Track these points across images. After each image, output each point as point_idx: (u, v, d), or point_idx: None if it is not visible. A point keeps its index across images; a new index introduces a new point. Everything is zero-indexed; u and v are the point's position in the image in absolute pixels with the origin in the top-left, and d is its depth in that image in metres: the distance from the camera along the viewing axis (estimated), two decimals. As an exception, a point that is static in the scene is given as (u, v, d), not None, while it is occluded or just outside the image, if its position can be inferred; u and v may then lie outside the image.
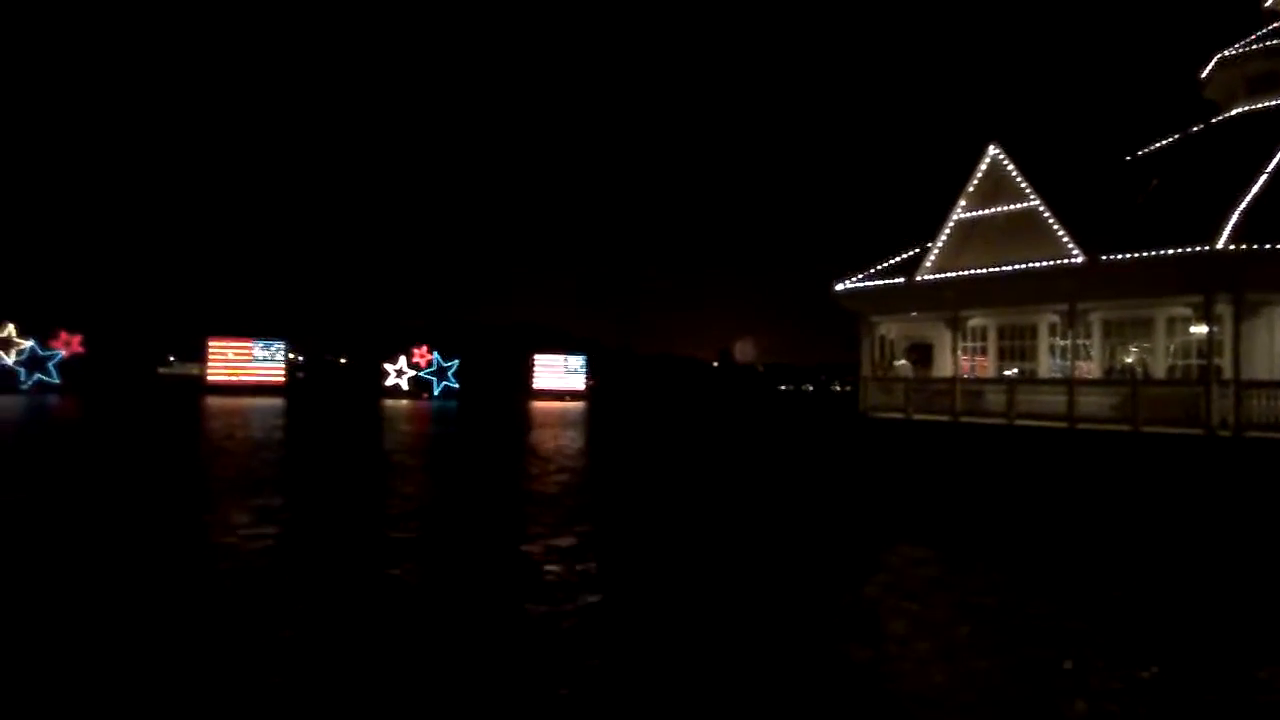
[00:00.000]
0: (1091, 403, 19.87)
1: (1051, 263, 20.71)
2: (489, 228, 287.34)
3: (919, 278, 23.48)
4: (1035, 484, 19.36)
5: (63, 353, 65.16)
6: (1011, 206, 22.36)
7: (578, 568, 10.40)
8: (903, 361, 25.61)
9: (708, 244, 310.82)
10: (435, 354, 77.91)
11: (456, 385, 78.49)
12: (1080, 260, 20.07)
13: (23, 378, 63.53)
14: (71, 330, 66.18)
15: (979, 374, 24.50)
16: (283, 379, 72.32)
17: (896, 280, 24.19)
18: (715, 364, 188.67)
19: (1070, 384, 20.24)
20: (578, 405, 69.74)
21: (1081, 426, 19.56)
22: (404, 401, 66.46)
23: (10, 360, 63.45)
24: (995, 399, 21.46)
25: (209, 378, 70.37)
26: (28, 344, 64.07)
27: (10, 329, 63.70)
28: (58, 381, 64.53)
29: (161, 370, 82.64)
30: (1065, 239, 20.57)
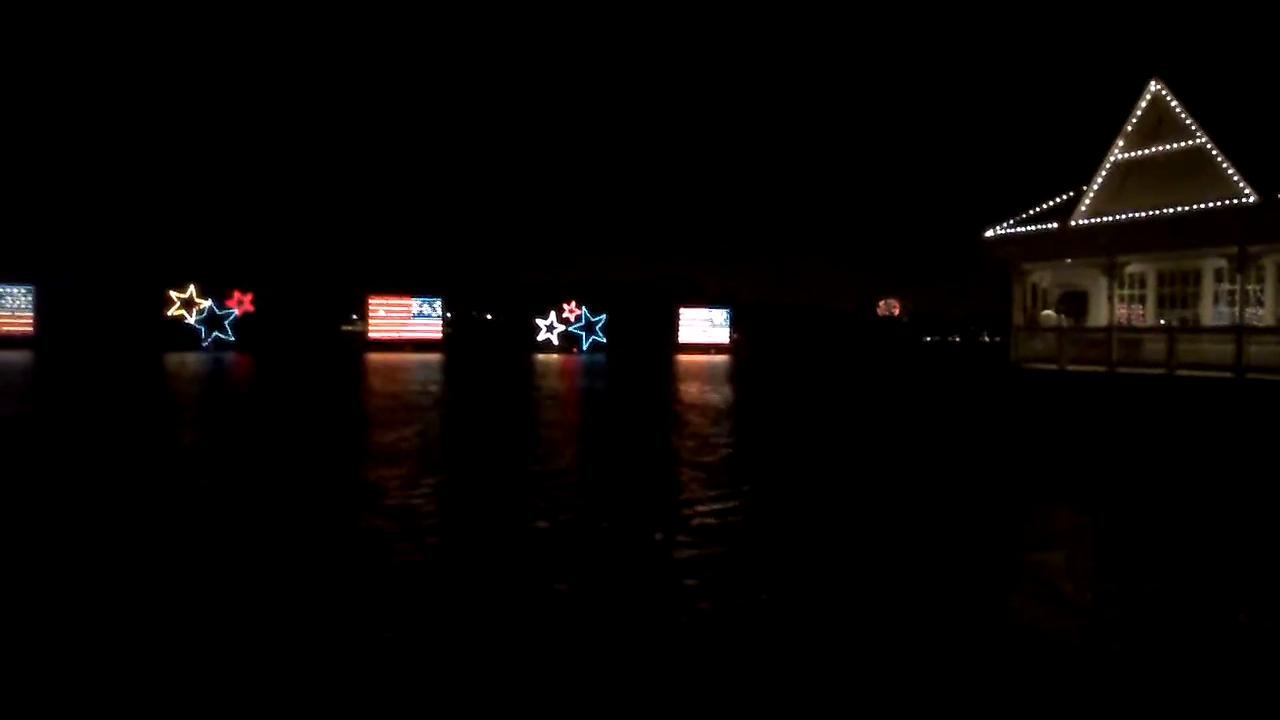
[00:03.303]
0: (1264, 352, 18.93)
1: (1220, 203, 19.72)
2: (629, 182, 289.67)
3: (1073, 222, 22.72)
4: (1203, 436, 18.64)
5: (236, 311, 69.84)
6: (1175, 145, 21.34)
7: (740, 530, 10.86)
8: (1049, 311, 24.89)
9: (848, 189, 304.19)
10: (584, 309, 79.68)
11: (605, 340, 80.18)
12: (1253, 200, 19.05)
13: (203, 336, 68.67)
14: (244, 290, 70.76)
15: (1135, 323, 23.62)
16: (440, 335, 75.44)
17: (1049, 225, 23.46)
18: (858, 314, 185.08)
19: (1239, 331, 19.32)
20: (723, 359, 70.16)
21: (1251, 376, 18.69)
22: (555, 356, 68.39)
23: (192, 319, 68.68)
24: (1154, 348, 20.68)
25: (370, 334, 74.15)
26: (206, 303, 69.08)
27: (192, 289, 68.85)
28: (234, 339, 69.39)
29: (345, 328, 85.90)
30: (1236, 178, 19.54)
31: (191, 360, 49.17)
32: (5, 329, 64.81)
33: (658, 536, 9.49)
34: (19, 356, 49.60)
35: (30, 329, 65.53)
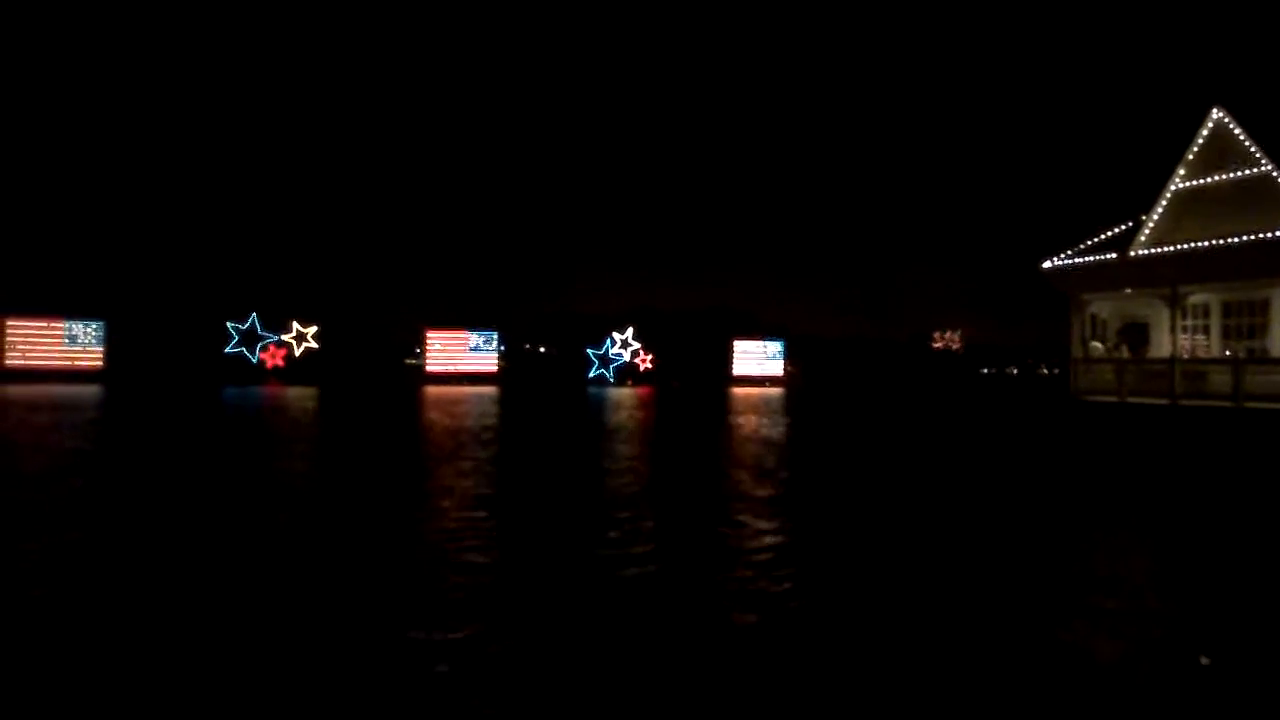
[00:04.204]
0: (1337, 383, 18.49)
1: (1286, 232, 19.37)
2: (681, 215, 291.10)
3: (1133, 252, 22.45)
4: (1276, 469, 18.17)
5: (295, 346, 71.25)
6: (1238, 173, 21.05)
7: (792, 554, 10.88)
8: (1096, 343, 24.52)
9: (906, 221, 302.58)
10: (638, 342, 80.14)
11: (659, 372, 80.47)
12: (1320, 228, 18.71)
13: (265, 369, 70.21)
14: (306, 324, 72.13)
15: (1199, 354, 23.17)
16: (495, 368, 76.19)
17: (1109, 256, 23.20)
18: (914, 346, 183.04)
19: (1309, 362, 18.89)
20: (778, 391, 69.88)
21: (1323, 408, 18.24)
22: (610, 389, 68.68)
23: (254, 353, 70.30)
24: (1219, 379, 20.27)
25: (427, 367, 75.15)
26: (269, 338, 70.67)
27: (255, 322, 70.52)
28: (295, 373, 70.78)
29: (410, 361, 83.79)
30: (1302, 206, 19.21)
31: (254, 394, 50.29)
32: (77, 364, 66.87)
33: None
34: (90, 390, 51.18)
35: (100, 363, 67.53)
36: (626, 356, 79.98)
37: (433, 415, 34.23)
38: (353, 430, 27.51)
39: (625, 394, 59.03)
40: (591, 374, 79.77)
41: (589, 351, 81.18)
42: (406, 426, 29.26)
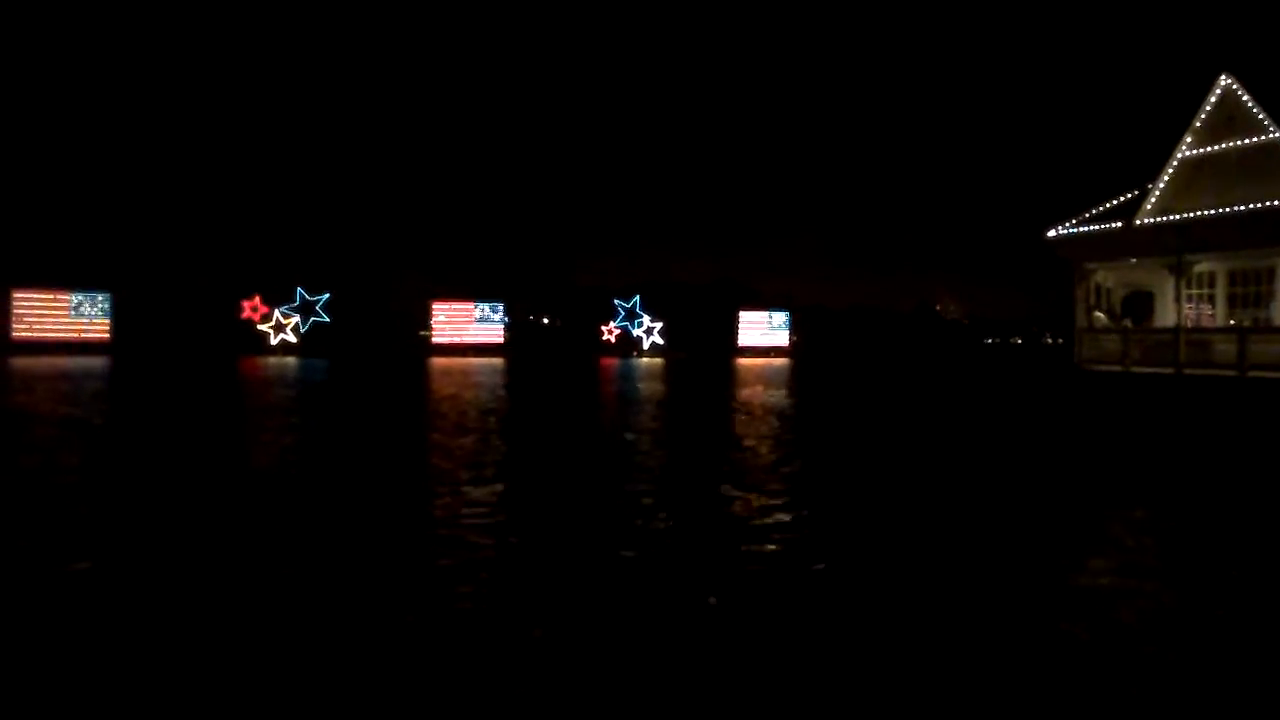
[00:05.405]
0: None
1: (1294, 200, 19.24)
2: (685, 186, 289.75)
3: (1139, 221, 22.32)
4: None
5: (304, 318, 71.41)
6: (1246, 141, 20.89)
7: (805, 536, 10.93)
8: (1099, 313, 24.45)
9: (909, 190, 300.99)
10: (645, 313, 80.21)
11: (664, 343, 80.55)
12: (1328, 196, 18.58)
13: (271, 340, 70.48)
14: (314, 294, 72.17)
15: (1204, 324, 23.10)
16: (501, 339, 76.33)
17: (1114, 224, 23.07)
18: (918, 316, 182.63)
19: (1315, 331, 18.82)
20: (783, 362, 69.91)
21: (1326, 377, 18.20)
22: (612, 360, 68.73)
23: (269, 326, 70.51)
24: (1224, 349, 20.20)
25: (433, 339, 75.31)
26: (275, 310, 70.89)
27: (257, 301, 70.69)
28: (303, 344, 71.00)
29: (423, 333, 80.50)
30: (1310, 174, 19.07)
31: (264, 365, 50.47)
32: (84, 335, 67.15)
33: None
34: (97, 362, 51.39)
35: (107, 335, 67.80)
36: (632, 328, 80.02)
37: (446, 389, 34.32)
38: (354, 404, 27.63)
39: (628, 365, 59.12)
40: (596, 345, 79.89)
41: (594, 323, 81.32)
42: (403, 401, 29.38)
